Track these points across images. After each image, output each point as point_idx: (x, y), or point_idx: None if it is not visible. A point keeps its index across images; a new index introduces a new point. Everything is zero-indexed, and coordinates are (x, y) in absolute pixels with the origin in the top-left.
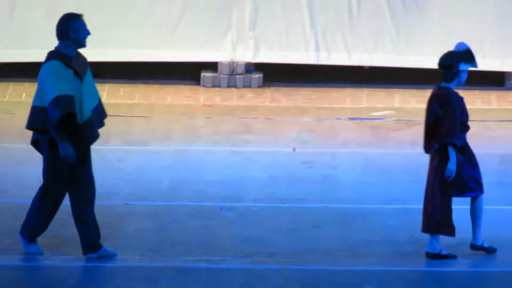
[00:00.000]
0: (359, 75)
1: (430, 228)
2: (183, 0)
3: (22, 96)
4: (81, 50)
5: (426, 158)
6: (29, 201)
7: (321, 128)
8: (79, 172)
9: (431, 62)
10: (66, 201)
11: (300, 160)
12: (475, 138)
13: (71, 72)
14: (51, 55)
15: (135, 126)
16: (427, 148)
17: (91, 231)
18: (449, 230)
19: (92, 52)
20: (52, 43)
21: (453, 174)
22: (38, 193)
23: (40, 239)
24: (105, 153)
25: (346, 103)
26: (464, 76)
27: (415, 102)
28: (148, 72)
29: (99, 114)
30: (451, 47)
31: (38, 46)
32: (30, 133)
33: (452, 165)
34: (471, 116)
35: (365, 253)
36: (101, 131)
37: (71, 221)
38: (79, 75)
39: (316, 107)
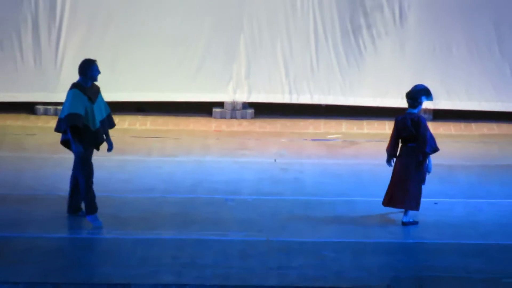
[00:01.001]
0: (318, 110)
1: (412, 206)
2: (199, 60)
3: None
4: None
5: (363, 166)
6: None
7: (293, 146)
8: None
9: (367, 102)
10: (115, 194)
11: (279, 168)
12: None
13: (85, 97)
14: (73, 86)
15: (168, 145)
16: (395, 153)
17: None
18: (419, 206)
19: (138, 94)
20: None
21: (430, 170)
22: (78, 180)
23: (102, 219)
24: (148, 162)
25: (309, 129)
26: (421, 106)
27: (356, 128)
28: (177, 108)
29: (104, 125)
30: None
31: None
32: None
33: (430, 167)
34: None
35: (322, 229)
36: (145, 148)
37: (126, 206)
38: (91, 99)
39: (290, 131)
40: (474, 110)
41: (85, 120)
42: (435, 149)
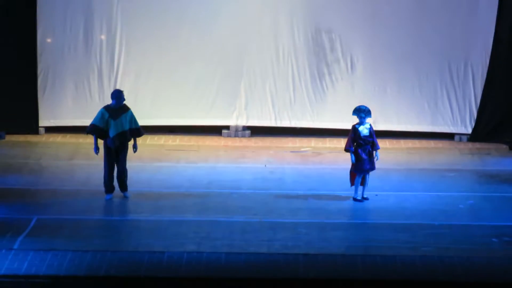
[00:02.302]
0: (295, 131)
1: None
2: (213, 96)
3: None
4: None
5: (326, 169)
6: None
7: (277, 156)
8: (117, 156)
9: (328, 125)
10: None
11: (268, 171)
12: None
13: (108, 114)
14: (103, 106)
15: (191, 155)
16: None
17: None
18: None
19: (171, 120)
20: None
21: (354, 162)
22: (104, 166)
23: (145, 207)
24: (177, 167)
25: (289, 144)
26: (360, 119)
27: (321, 144)
28: (198, 130)
29: (124, 135)
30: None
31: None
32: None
33: (352, 159)
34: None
35: (298, 213)
36: (175, 157)
37: (162, 198)
38: (112, 117)
39: (275, 146)
40: (402, 131)
41: (105, 129)
42: (346, 150)
